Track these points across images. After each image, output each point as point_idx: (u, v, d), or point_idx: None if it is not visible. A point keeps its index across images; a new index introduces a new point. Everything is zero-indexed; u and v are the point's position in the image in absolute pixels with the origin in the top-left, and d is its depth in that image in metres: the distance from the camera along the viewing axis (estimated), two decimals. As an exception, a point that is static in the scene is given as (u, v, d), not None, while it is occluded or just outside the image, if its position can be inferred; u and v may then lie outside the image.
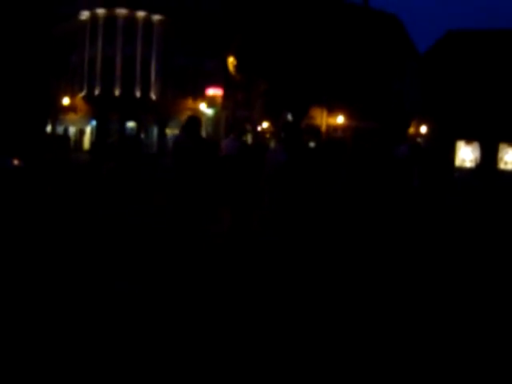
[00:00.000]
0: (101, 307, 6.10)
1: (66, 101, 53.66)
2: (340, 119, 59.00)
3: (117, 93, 52.00)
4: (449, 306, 6.83)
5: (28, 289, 6.68)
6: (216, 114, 54.05)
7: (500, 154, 62.88)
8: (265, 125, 54.76)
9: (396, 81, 63.19)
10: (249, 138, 49.53)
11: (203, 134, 42.48)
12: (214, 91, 53.65)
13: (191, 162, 8.91)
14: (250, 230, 9.52)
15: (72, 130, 55.14)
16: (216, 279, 7.42)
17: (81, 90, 53.64)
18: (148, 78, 53.26)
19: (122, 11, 52.14)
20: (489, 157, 60.24)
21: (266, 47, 48.23)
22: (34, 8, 42.08)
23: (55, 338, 5.15)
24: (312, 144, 44.41)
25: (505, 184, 34.24)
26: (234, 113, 52.96)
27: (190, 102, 53.86)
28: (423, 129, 60.10)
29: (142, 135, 52.67)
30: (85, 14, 53.27)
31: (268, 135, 52.57)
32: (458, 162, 60.38)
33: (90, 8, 52.56)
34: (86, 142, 53.12)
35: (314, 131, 54.36)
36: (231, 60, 53.34)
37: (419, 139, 42.47)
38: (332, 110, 58.80)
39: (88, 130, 53.72)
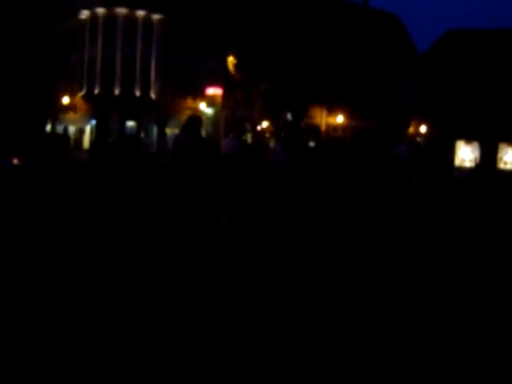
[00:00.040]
0: (101, 307, 6.10)
1: (65, 100, 53.66)
2: (340, 119, 59.00)
3: (116, 92, 51.99)
4: (448, 304, 6.84)
5: (28, 288, 6.68)
6: (216, 114, 54.06)
7: (499, 154, 62.93)
8: (264, 124, 54.76)
9: (396, 80, 63.21)
10: (248, 138, 49.52)
11: (203, 133, 42.45)
12: (213, 91, 53.66)
13: (191, 161, 8.92)
14: (249, 229, 9.52)
15: (72, 129, 55.15)
16: (216, 278, 7.42)
17: (80, 89, 53.63)
18: (148, 77, 53.25)
19: (121, 10, 52.13)
20: (488, 156, 60.28)
21: (266, 47, 48.24)
22: (35, 8, 42.10)
23: (55, 338, 5.15)
24: (312, 143, 44.34)
25: (504, 183, 34.25)
26: (234, 112, 52.95)
27: (189, 102, 53.86)
28: (423, 128, 60.12)
29: (142, 134, 52.65)
30: (85, 14, 53.26)
31: (268, 135, 52.56)
32: (457, 162, 60.44)
33: (90, 7, 52.55)
34: (86, 141, 53.11)
35: (314, 131, 54.21)
36: (231, 59, 53.33)
37: (419, 139, 42.47)
38: (332, 110, 58.81)
39: (88, 129, 53.71)
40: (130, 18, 52.51)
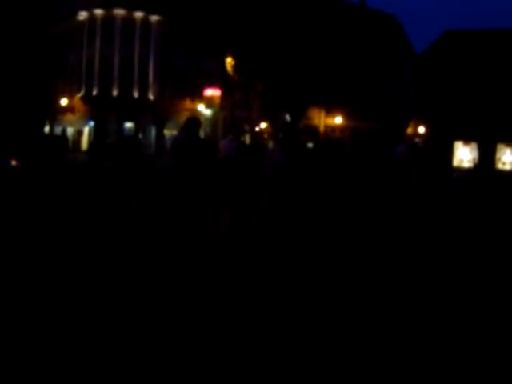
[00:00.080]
0: (101, 307, 6.10)
1: (64, 101, 53.64)
2: (338, 119, 59.02)
3: (115, 93, 51.99)
4: (447, 304, 6.85)
5: (27, 289, 6.68)
6: (214, 115, 54.07)
7: (498, 155, 62.98)
8: (263, 125, 54.77)
9: (394, 81, 63.26)
10: (247, 139, 49.53)
11: (201, 134, 42.45)
12: (212, 92, 53.67)
13: (190, 162, 8.92)
14: (248, 230, 9.53)
15: (70, 130, 55.15)
16: (215, 279, 7.42)
17: (79, 91, 53.62)
18: (146, 78, 53.25)
19: (119, 12, 52.13)
20: (487, 157, 60.30)
21: (264, 48, 48.24)
22: (33, 8, 42.08)
23: (55, 338, 5.15)
24: (310, 144, 44.39)
25: (502, 184, 34.29)
26: (232, 113, 52.97)
27: (188, 103, 53.85)
28: (421, 129, 60.14)
29: (140, 136, 52.66)
30: (83, 15, 53.25)
31: (266, 135, 52.57)
32: (456, 163, 60.47)
33: (88, 8, 52.54)
34: (84, 142, 53.11)
35: (312, 131, 54.27)
36: (229, 60, 53.32)
37: (417, 139, 42.50)
38: (330, 111, 58.84)
39: (86, 130, 53.70)
40: (128, 19, 52.51)
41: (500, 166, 61.68)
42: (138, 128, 52.82)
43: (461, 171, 46.92)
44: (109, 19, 52.22)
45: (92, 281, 7.07)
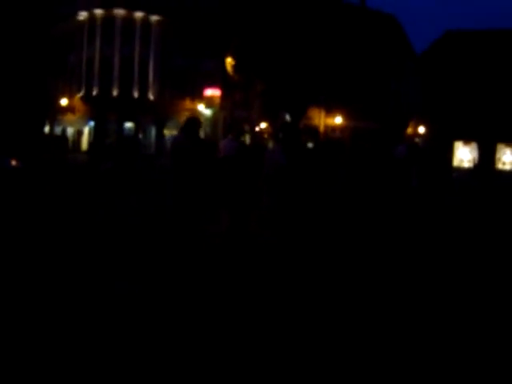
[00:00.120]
0: (101, 307, 6.10)
1: (64, 101, 53.63)
2: (338, 119, 59.02)
3: (115, 93, 51.99)
4: (448, 305, 6.85)
5: (27, 289, 6.68)
6: (214, 115, 54.07)
7: (498, 155, 62.99)
8: (263, 125, 54.77)
9: (394, 81, 63.26)
10: (247, 139, 49.53)
11: (201, 134, 42.46)
12: (212, 92, 53.67)
13: (190, 162, 8.92)
14: (248, 230, 9.53)
15: (70, 130, 55.14)
16: (215, 279, 7.42)
17: (79, 91, 53.62)
18: (146, 78, 53.25)
19: (119, 12, 52.13)
20: (487, 157, 60.31)
21: (264, 47, 48.23)
22: (33, 8, 42.08)
23: (55, 338, 5.15)
24: (310, 144, 44.41)
25: (502, 184, 34.29)
26: (232, 113, 52.98)
27: (188, 103, 53.85)
28: (421, 129, 60.15)
29: (140, 136, 52.66)
30: (83, 15, 53.25)
31: (266, 136, 52.58)
32: (456, 163, 60.47)
33: (88, 8, 52.53)
34: (84, 142, 53.11)
35: (312, 131, 54.31)
36: (229, 60, 53.31)
37: (417, 139, 42.51)
38: (330, 111, 58.85)
39: (86, 130, 53.70)
40: (128, 20, 52.52)
41: (500, 165, 61.69)
42: (138, 128, 52.83)
43: (461, 171, 46.92)
44: (109, 19, 52.22)
45: (92, 281, 7.07)
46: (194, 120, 9.49)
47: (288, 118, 51.17)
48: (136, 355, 4.88)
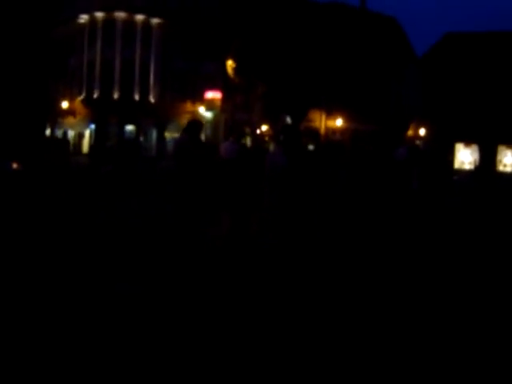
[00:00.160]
0: (101, 309, 6.10)
1: (64, 104, 53.68)
2: (339, 122, 59.02)
3: (116, 96, 52.02)
4: (448, 306, 6.84)
5: (28, 291, 6.68)
6: (215, 117, 54.08)
7: (499, 156, 62.96)
8: (264, 128, 54.78)
9: (395, 83, 63.26)
10: (248, 141, 49.55)
11: (202, 137, 42.48)
12: (212, 94, 53.69)
13: (192, 164, 8.93)
14: (249, 232, 9.52)
15: (71, 133, 55.17)
16: (215, 281, 7.42)
17: (80, 94, 53.67)
18: (147, 81, 53.28)
19: (120, 15, 52.18)
20: (488, 159, 60.29)
21: (265, 50, 48.28)
22: (33, 11, 42.14)
23: (56, 340, 5.15)
24: (311, 147, 44.37)
25: (503, 186, 34.26)
26: (233, 116, 52.99)
27: (188, 105, 53.87)
28: (422, 131, 60.13)
29: (141, 138, 52.67)
30: (84, 18, 53.31)
31: (267, 138, 52.60)
32: (457, 165, 60.43)
33: (89, 11, 52.60)
34: (85, 145, 53.12)
35: (313, 134, 54.19)
36: (230, 63, 53.37)
37: (418, 141, 42.47)
38: (331, 113, 58.85)
39: (87, 133, 53.73)
40: (129, 22, 52.57)
41: (501, 167, 61.65)
42: (138, 131, 52.85)
43: (462, 173, 46.89)
44: (110, 22, 52.28)
45: (93, 282, 7.07)
46: (196, 122, 9.52)
47: (289, 120, 51.19)
48: (136, 356, 4.88)
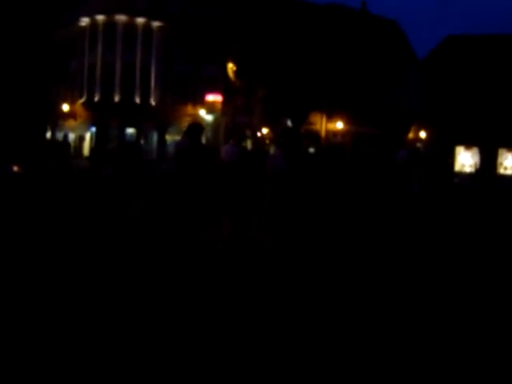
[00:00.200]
0: (102, 311, 6.10)
1: (65, 107, 53.73)
2: (339, 124, 59.06)
3: (116, 99, 52.07)
4: (449, 308, 6.84)
5: (29, 294, 6.68)
6: (215, 120, 54.13)
7: (499, 159, 62.95)
8: (264, 131, 54.83)
9: (395, 86, 63.31)
10: (248, 144, 49.58)
11: (203, 140, 42.47)
12: (213, 97, 53.73)
13: (193, 166, 8.95)
14: (249, 235, 9.53)
15: (72, 136, 55.21)
16: (216, 284, 7.42)
17: (80, 96, 53.73)
18: (148, 84, 53.34)
19: (121, 18, 52.25)
20: (488, 162, 60.29)
21: (266, 53, 48.34)
22: (34, 14, 42.18)
23: (57, 343, 5.16)
24: (312, 149, 44.49)
25: (504, 189, 34.26)
26: (234, 119, 53.04)
27: (189, 108, 53.90)
28: (423, 134, 60.16)
29: (142, 141, 52.70)
30: (84, 21, 53.39)
31: (267, 141, 52.64)
32: (457, 167, 60.42)
33: (90, 14, 52.68)
34: (86, 148, 53.16)
35: (314, 137, 54.44)
36: (231, 66, 53.44)
37: (419, 144, 42.50)
38: (331, 116, 58.90)
39: (88, 136, 53.78)
40: (130, 26, 52.63)
41: (502, 170, 61.65)
42: (139, 134, 52.89)
43: (462, 176, 46.90)
44: (110, 25, 52.35)
45: (94, 285, 7.07)
46: (197, 125, 9.54)
47: (289, 123, 51.24)
48: (136, 359, 4.88)
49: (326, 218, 13.14)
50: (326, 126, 59.77)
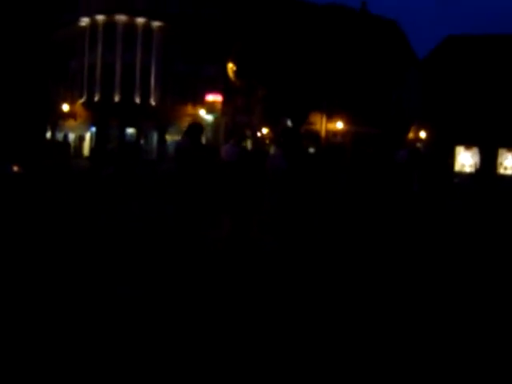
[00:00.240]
0: (102, 311, 6.10)
1: (65, 107, 53.71)
2: (339, 124, 59.06)
3: (116, 99, 52.06)
4: (449, 309, 6.84)
5: (29, 294, 6.69)
6: (215, 120, 54.12)
7: (499, 159, 62.96)
8: (264, 131, 54.83)
9: (395, 86, 63.31)
10: (248, 144, 49.58)
11: (203, 140, 42.47)
12: (213, 97, 53.72)
13: (194, 166, 8.95)
14: (249, 235, 9.53)
15: (72, 136, 55.19)
16: (216, 284, 7.42)
17: (80, 96, 53.71)
18: (148, 84, 53.33)
19: (121, 18, 52.24)
20: (488, 162, 60.30)
21: (266, 53, 48.34)
22: (34, 14, 42.18)
23: (56, 343, 5.16)
24: (312, 149, 44.50)
25: (504, 189, 34.26)
26: (234, 119, 53.04)
27: (189, 108, 53.90)
28: (423, 134, 60.16)
29: (142, 141, 52.70)
30: (84, 21, 53.38)
31: (267, 141, 52.65)
32: (457, 167, 60.42)
33: (90, 14, 52.66)
34: (86, 148, 53.15)
35: (314, 137, 54.46)
36: (231, 66, 53.44)
37: (419, 144, 42.50)
38: (331, 116, 58.90)
39: (88, 136, 53.76)
40: (130, 26, 52.61)
41: (502, 170, 61.66)
42: (139, 134, 52.87)
43: (462, 176, 46.90)
44: (110, 25, 52.34)
45: (94, 285, 7.08)
46: (197, 125, 9.55)
47: (289, 123, 51.24)
48: (137, 359, 4.89)
49: (325, 217, 13.14)
50: (325, 126, 59.77)
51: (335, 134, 60.10)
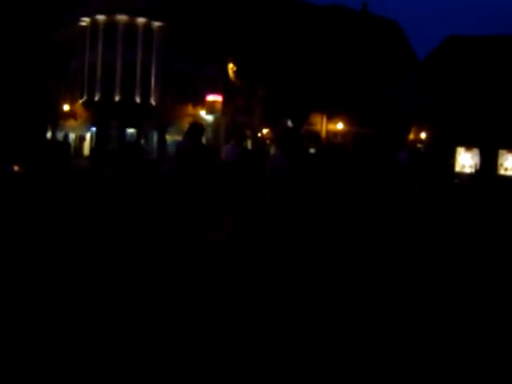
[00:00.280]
0: (102, 312, 6.10)
1: (65, 107, 53.70)
2: (340, 125, 59.05)
3: (117, 99, 52.04)
4: (449, 310, 6.83)
5: (29, 293, 6.68)
6: (216, 120, 54.11)
7: (500, 160, 63.00)
8: (265, 131, 54.82)
9: (396, 87, 63.33)
10: (249, 144, 49.57)
11: (203, 140, 42.39)
12: (213, 97, 53.69)
13: (194, 166, 8.95)
14: (249, 235, 9.52)
15: (72, 136, 55.17)
16: (216, 284, 7.41)
17: (81, 96, 53.69)
18: (148, 84, 53.31)
19: (122, 17, 52.22)
20: (488, 163, 60.33)
21: (266, 53, 48.34)
22: (35, 14, 42.21)
23: (56, 342, 5.15)
24: (312, 150, 44.49)
25: (504, 190, 34.27)
26: (234, 119, 53.02)
27: (189, 108, 53.88)
28: (423, 135, 60.18)
29: (142, 141, 52.68)
30: (85, 20, 53.35)
31: (268, 141, 52.64)
32: (457, 168, 60.44)
33: (90, 14, 52.64)
34: (86, 148, 53.10)
35: (314, 137, 54.47)
36: (231, 66, 53.43)
37: (419, 145, 42.50)
38: (332, 116, 58.90)
39: (88, 136, 53.73)
40: (130, 25, 52.59)
41: (502, 171, 61.70)
42: (139, 134, 52.85)
43: (463, 177, 46.91)
44: (111, 25, 52.31)
45: (94, 285, 7.07)
46: (198, 126, 9.55)
47: (290, 123, 51.24)
48: (136, 359, 4.88)
49: (326, 218, 13.12)
50: (326, 127, 59.77)
51: (335, 134, 60.10)
